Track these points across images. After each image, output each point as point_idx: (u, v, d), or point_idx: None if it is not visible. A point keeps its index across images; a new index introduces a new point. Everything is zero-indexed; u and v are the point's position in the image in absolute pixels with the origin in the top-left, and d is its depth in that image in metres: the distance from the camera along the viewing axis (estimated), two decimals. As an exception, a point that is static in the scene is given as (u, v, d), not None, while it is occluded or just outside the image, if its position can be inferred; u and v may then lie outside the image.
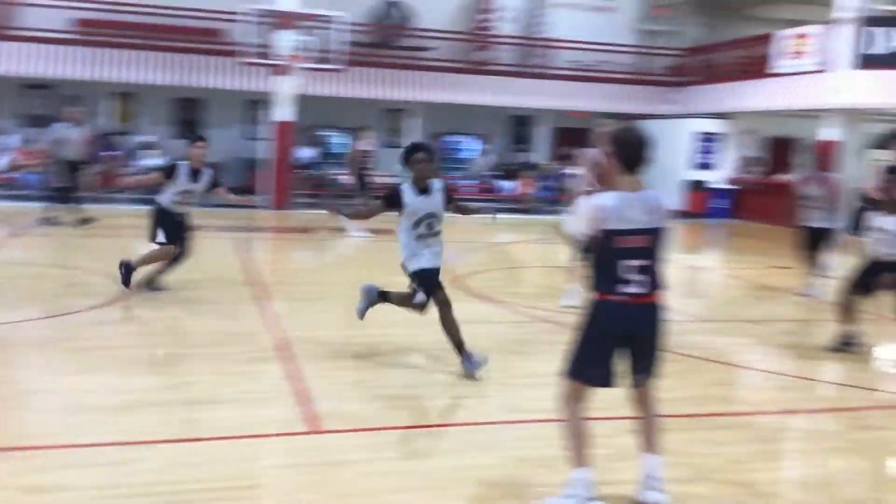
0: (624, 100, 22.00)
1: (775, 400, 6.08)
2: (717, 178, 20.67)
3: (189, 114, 20.62)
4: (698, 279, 11.99)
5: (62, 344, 6.43)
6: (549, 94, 21.36)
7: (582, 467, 3.76)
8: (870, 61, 16.77)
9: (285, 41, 16.81)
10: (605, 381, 3.84)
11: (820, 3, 21.44)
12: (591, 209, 3.79)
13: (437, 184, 5.96)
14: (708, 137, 20.69)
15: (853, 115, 17.62)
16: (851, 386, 6.44)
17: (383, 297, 6.30)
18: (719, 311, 9.48)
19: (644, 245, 3.74)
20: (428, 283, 5.84)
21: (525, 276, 11.60)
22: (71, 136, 12.82)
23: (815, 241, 9.68)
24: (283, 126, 18.15)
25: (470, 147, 22.73)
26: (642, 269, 3.73)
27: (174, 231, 8.06)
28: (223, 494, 3.84)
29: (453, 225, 14.33)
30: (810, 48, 18.10)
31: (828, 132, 17.81)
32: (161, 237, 7.99)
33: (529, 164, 21.78)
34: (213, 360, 6.08)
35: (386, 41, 21.53)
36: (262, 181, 18.73)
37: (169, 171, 8.09)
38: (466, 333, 7.12)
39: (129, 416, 4.79)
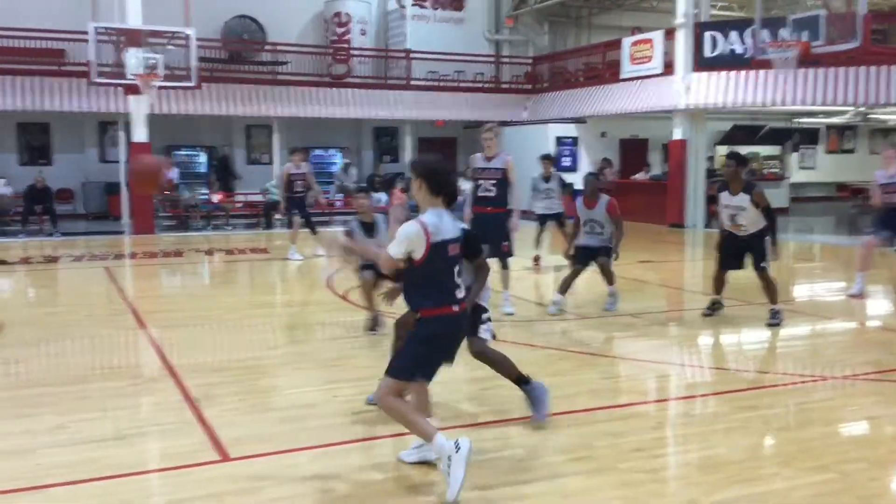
0: (481, 107, 22.56)
1: (664, 388, 6.41)
2: (578, 179, 21.48)
3: (36, 139, 19.48)
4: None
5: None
6: (410, 105, 21.60)
7: (436, 433, 4.02)
8: (706, 63, 17.95)
9: (135, 59, 16.13)
10: (430, 377, 4.25)
11: (658, 10, 22.81)
12: (418, 229, 3.97)
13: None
14: (566, 141, 21.50)
15: (697, 115, 18.78)
16: (726, 369, 6.87)
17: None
18: (596, 306, 9.85)
19: (459, 253, 4.15)
20: None
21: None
22: None
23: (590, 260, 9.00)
24: (139, 147, 17.42)
25: (337, 161, 22.65)
26: (460, 275, 4.15)
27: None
28: (138, 535, 3.66)
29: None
30: (654, 53, 19.17)
31: (676, 132, 18.89)
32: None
33: (398, 175, 21.86)
34: (101, 396, 5.77)
35: (240, 56, 21.12)
36: (122, 205, 17.94)
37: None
38: (380, 352, 7.09)
39: (15, 461, 4.48)
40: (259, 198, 19.86)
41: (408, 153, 22.22)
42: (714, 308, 8.49)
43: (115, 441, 4.82)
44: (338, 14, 22.19)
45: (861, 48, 12.19)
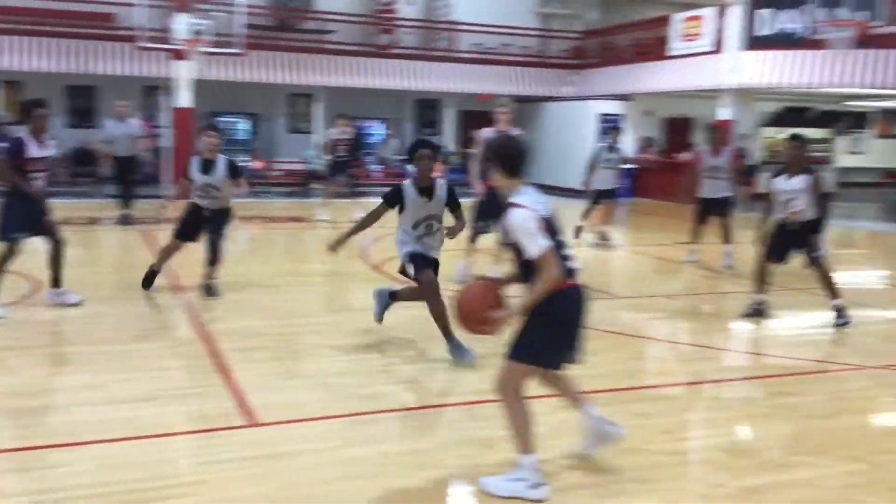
0: (526, 82, 22.32)
1: (695, 371, 6.33)
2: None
3: (83, 102, 19.76)
4: (609, 257, 12.32)
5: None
6: (453, 78, 21.45)
7: (529, 453, 3.79)
8: (758, 42, 17.52)
9: (182, 24, 16.26)
10: (562, 363, 3.96)
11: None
12: (529, 213, 3.71)
13: (440, 184, 5.96)
14: (609, 119, 21.20)
15: (745, 95, 18.39)
16: (762, 354, 6.78)
17: (394, 297, 6.37)
18: (631, 287, 9.78)
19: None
20: (417, 261, 5.88)
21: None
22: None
23: (715, 211, 10.34)
24: (184, 112, 17.61)
25: (378, 132, 22.64)
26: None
27: (192, 226, 7.95)
28: (169, 493, 3.73)
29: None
30: (704, 30, 18.77)
31: (723, 111, 18.52)
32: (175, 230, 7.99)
33: (438, 147, 21.81)
34: (136, 356, 5.89)
35: (287, 24, 21.13)
36: (165, 170, 18.16)
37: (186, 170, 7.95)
38: (411, 321, 7.15)
39: (53, 417, 4.61)
40: (299, 167, 20.00)
41: (449, 126, 22.12)
42: (759, 311, 7.62)
43: (149, 402, 4.92)
44: (385, -17, 22.05)
45: (920, 30, 11.80)
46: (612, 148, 12.07)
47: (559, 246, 3.76)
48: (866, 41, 13.65)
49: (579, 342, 3.93)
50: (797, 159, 7.36)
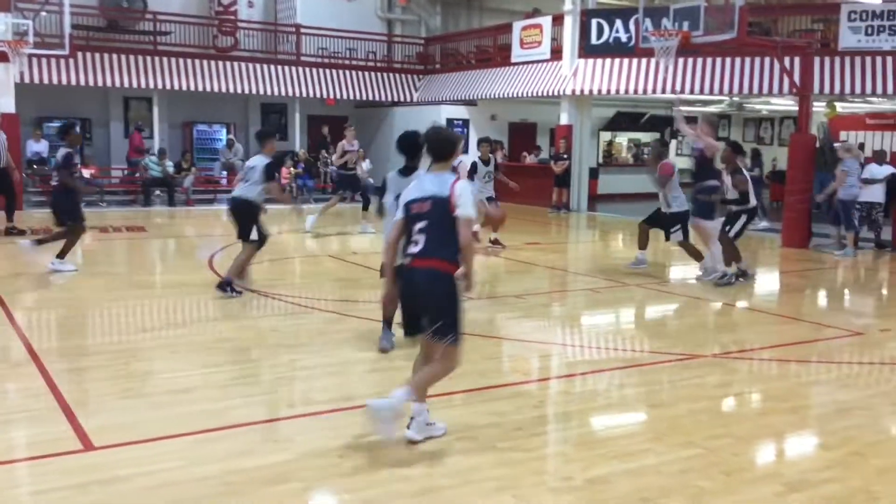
0: (373, 87, 22.35)
1: (545, 367, 6.52)
2: (467, 161, 21.58)
3: None
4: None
5: None
6: (300, 82, 21.16)
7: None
8: (593, 51, 18.31)
9: (3, 25, 15.16)
10: (405, 329, 4.62)
11: (550, -5, 23.06)
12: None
13: None
14: (457, 123, 21.53)
15: (582, 101, 19.16)
16: (606, 348, 7.05)
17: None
18: (484, 287, 9.92)
19: (425, 211, 4.36)
20: None
21: (291, 267, 11.42)
22: None
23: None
24: (8, 118, 16.38)
25: (222, 137, 21.94)
26: (423, 231, 4.34)
27: (260, 225, 8.28)
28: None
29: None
30: (543, 38, 19.42)
31: (563, 116, 19.22)
32: (254, 234, 8.15)
33: (287, 152, 21.38)
34: (-46, 383, 5.40)
35: (119, 25, 20.13)
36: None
37: (276, 169, 8.25)
38: (267, 332, 6.92)
39: None
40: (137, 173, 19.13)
41: (296, 131, 21.78)
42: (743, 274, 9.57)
43: (-30, 431, 4.52)
44: (225, -15, 21.39)
45: (737, 39, 12.64)
46: (485, 161, 12.39)
47: (410, 229, 4.43)
48: (689, 50, 14.50)
49: (410, 316, 4.52)
50: (730, 160, 9.41)
